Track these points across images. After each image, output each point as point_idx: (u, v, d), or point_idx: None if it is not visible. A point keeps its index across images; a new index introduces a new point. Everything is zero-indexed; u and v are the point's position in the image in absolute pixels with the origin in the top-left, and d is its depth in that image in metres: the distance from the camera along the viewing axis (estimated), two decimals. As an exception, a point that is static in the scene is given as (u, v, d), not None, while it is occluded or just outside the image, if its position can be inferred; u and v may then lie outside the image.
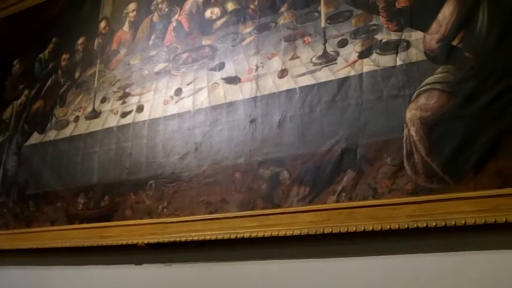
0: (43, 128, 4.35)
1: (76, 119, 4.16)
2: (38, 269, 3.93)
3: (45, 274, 3.89)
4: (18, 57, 4.90)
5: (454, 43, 2.65)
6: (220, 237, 3.06)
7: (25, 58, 4.83)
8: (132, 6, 4.22)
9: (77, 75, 4.36)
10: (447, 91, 2.58)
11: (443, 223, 2.40)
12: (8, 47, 5.02)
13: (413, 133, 2.62)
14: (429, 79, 2.66)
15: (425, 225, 2.44)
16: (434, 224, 2.42)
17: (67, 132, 4.17)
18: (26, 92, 4.66)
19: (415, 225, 2.47)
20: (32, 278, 3.96)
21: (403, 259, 2.56)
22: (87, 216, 3.77)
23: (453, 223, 2.38)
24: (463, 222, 2.35)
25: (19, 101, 4.68)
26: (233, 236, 3.01)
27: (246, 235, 2.96)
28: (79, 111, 4.18)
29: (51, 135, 4.27)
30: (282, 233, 2.85)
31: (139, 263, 3.46)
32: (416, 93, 2.67)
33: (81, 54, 4.41)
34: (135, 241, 3.38)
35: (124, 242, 3.43)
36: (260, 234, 2.91)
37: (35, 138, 4.38)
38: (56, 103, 4.39)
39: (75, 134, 4.10)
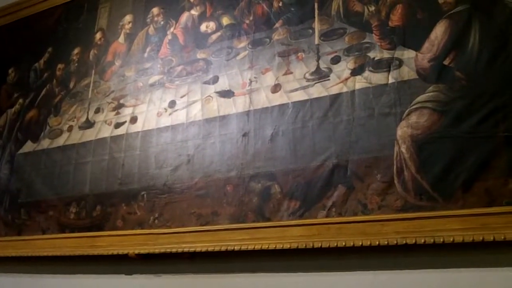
0: (37, 137, 4.35)
1: (70, 128, 4.17)
2: (29, 277, 3.91)
3: (35, 282, 3.88)
4: (13, 66, 4.90)
5: (446, 62, 2.69)
6: (210, 249, 3.06)
7: (20, 67, 4.83)
8: (128, 18, 4.24)
9: (71, 85, 4.37)
10: (438, 110, 2.62)
11: (432, 240, 2.42)
12: (3, 56, 5.01)
13: (403, 150, 2.65)
14: (421, 98, 2.69)
15: (414, 241, 2.46)
16: (423, 241, 2.44)
17: (60, 141, 4.17)
18: (20, 100, 4.66)
19: (404, 242, 2.48)
20: (23, 286, 3.94)
21: (392, 275, 2.58)
22: (79, 226, 3.77)
23: (441, 240, 2.40)
24: (451, 239, 2.38)
25: (13, 109, 4.67)
26: (223, 249, 3.02)
27: (237, 248, 2.97)
28: (73, 121, 4.19)
29: (45, 144, 4.27)
30: (272, 247, 2.86)
31: (129, 273, 3.46)
32: (407, 111, 2.70)
33: (76, 64, 4.42)
34: (126, 252, 3.38)
35: (115, 252, 3.43)
36: (250, 247, 2.92)
37: (29, 146, 4.38)
38: (50, 112, 4.39)
39: (68, 143, 4.10)
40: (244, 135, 3.22)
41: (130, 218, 3.53)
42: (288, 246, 2.81)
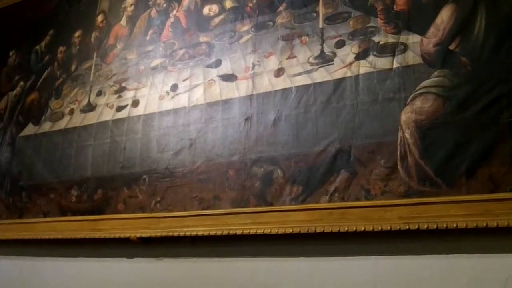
0: (38, 120, 4.35)
1: (71, 111, 4.16)
2: (30, 260, 3.93)
3: (36, 265, 3.89)
4: (14, 49, 4.90)
5: (451, 47, 2.67)
6: (212, 233, 3.07)
7: (21, 49, 4.83)
8: (130, 0, 4.21)
9: (73, 68, 4.36)
10: (443, 95, 2.60)
11: (435, 226, 2.42)
12: (4, 38, 5.00)
13: (407, 135, 2.63)
14: (425, 83, 2.67)
15: (417, 227, 2.46)
16: (426, 226, 2.44)
17: (61, 124, 4.17)
18: (21, 83, 4.66)
19: (407, 227, 2.48)
20: (24, 269, 3.95)
21: (394, 260, 2.58)
22: (80, 209, 3.78)
23: (444, 226, 2.40)
24: (454, 225, 2.38)
25: (14, 92, 4.67)
26: (225, 233, 3.02)
27: (238, 232, 2.97)
28: (75, 104, 4.18)
29: (46, 127, 4.27)
30: (274, 231, 2.86)
31: (130, 257, 3.47)
32: (411, 96, 2.69)
33: (77, 47, 4.42)
34: (127, 235, 3.39)
35: (117, 236, 3.43)
36: (252, 232, 2.93)
37: (30, 129, 4.38)
38: (52, 95, 4.39)
39: (69, 126, 4.10)
40: (247, 119, 3.21)
41: (132, 202, 3.53)
42: (291, 230, 2.80)
